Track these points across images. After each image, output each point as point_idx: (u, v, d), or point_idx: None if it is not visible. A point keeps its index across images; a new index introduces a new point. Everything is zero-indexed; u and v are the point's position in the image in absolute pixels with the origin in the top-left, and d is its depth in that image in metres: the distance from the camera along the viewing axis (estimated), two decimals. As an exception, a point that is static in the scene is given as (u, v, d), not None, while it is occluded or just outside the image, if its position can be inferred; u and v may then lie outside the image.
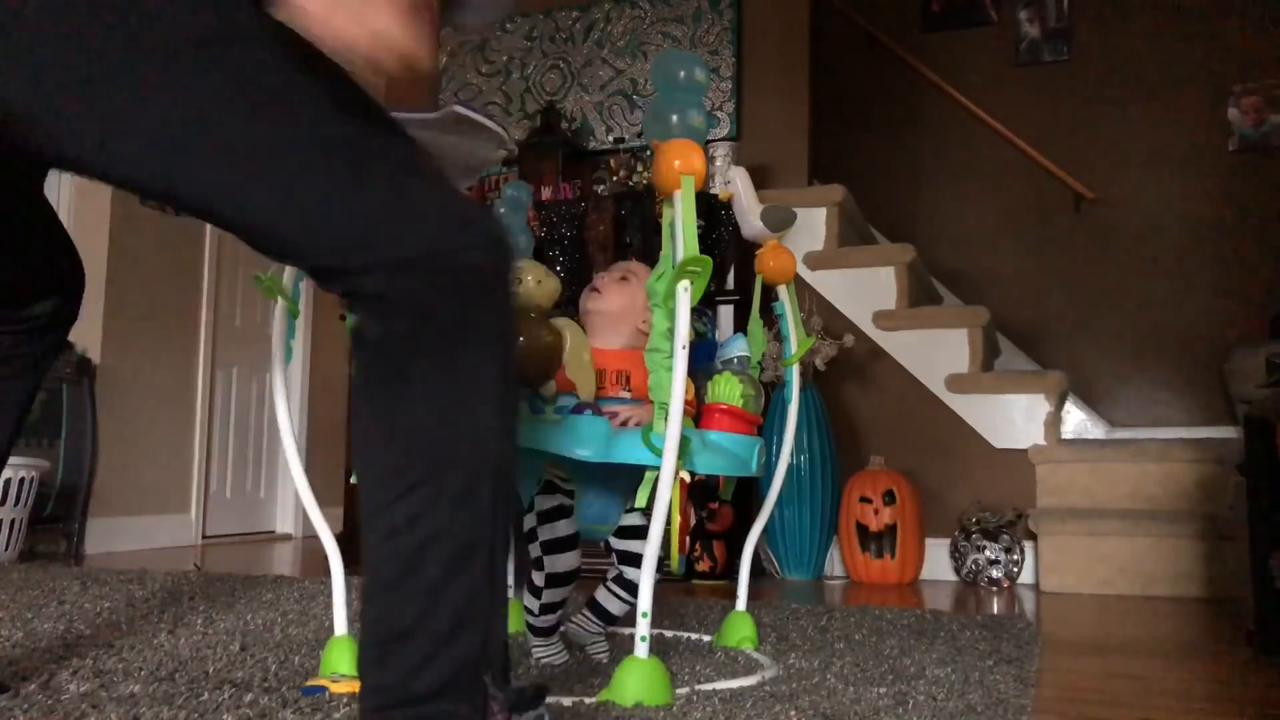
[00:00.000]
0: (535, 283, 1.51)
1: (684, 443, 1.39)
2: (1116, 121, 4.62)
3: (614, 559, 1.69)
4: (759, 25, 4.06)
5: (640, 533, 1.65)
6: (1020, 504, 3.35)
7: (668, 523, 1.39)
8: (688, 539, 1.33)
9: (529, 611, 1.62)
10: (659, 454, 1.35)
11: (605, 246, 3.47)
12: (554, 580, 1.59)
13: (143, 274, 4.52)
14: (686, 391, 1.38)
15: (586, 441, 1.40)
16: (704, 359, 1.76)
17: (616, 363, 1.63)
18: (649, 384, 1.42)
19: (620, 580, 1.67)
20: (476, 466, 0.85)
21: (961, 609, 2.64)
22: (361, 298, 0.85)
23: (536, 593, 1.60)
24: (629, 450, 1.39)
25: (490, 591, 0.85)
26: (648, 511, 1.43)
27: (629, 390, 1.61)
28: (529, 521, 1.62)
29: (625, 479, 1.59)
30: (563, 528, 1.60)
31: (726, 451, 1.57)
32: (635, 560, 1.64)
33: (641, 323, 1.65)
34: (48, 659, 1.57)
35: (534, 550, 1.61)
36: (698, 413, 1.64)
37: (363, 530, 0.86)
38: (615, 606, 1.67)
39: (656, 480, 1.37)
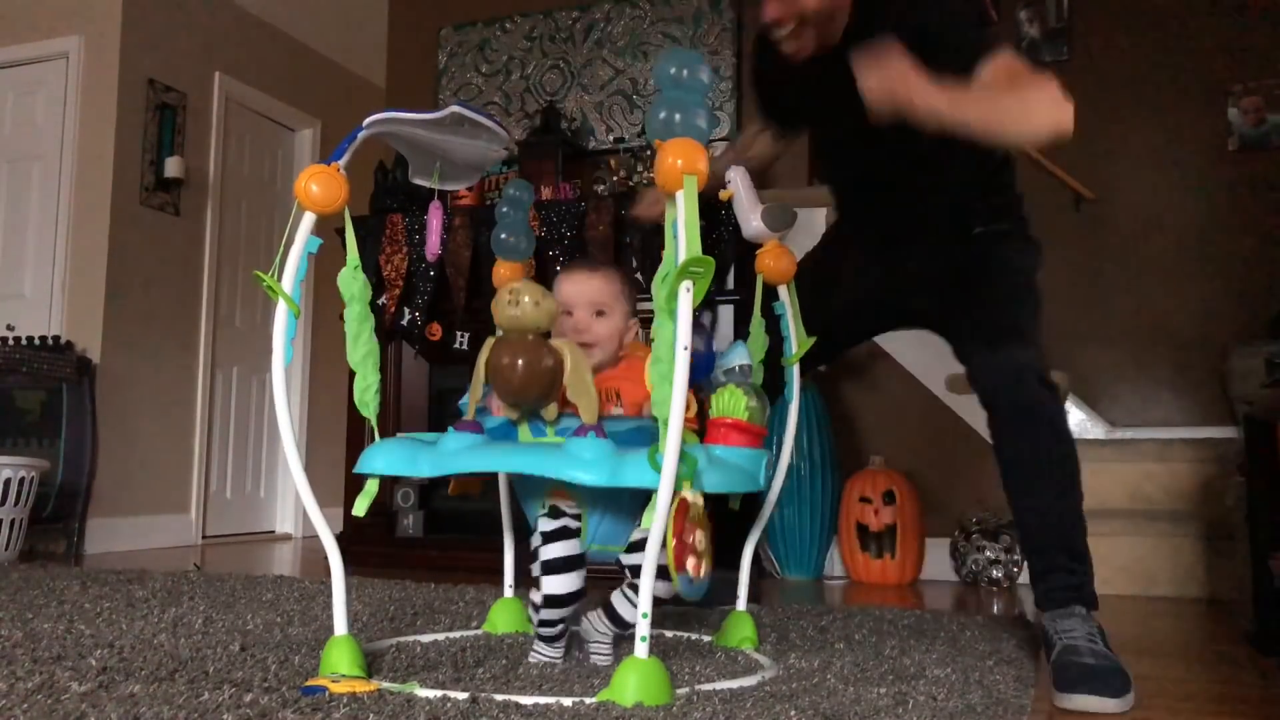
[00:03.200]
0: (533, 304, 1.47)
1: (690, 461, 1.37)
2: (1116, 121, 4.61)
3: (627, 574, 1.66)
4: (759, 25, 4.05)
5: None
6: (1020, 504, 3.35)
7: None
8: (693, 561, 1.32)
9: (533, 606, 1.61)
10: None
11: (605, 246, 3.47)
12: (550, 602, 1.56)
13: (143, 274, 4.52)
14: (689, 407, 1.35)
15: (590, 465, 1.37)
16: (704, 371, 1.73)
17: (605, 382, 1.61)
18: (653, 400, 1.39)
19: (635, 589, 1.64)
20: None
21: (961, 609, 2.64)
22: None
23: (535, 608, 1.58)
24: (635, 473, 1.37)
25: None
26: None
27: (620, 406, 1.59)
28: (533, 541, 1.60)
29: (633, 499, 1.56)
30: (563, 549, 1.57)
31: (734, 467, 1.55)
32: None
33: (627, 336, 1.66)
34: (48, 659, 1.57)
35: (535, 570, 1.59)
36: (700, 428, 1.63)
37: None
38: (628, 613, 1.63)
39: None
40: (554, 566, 1.56)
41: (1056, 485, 1.79)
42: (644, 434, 1.49)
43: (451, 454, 1.47)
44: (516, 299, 1.45)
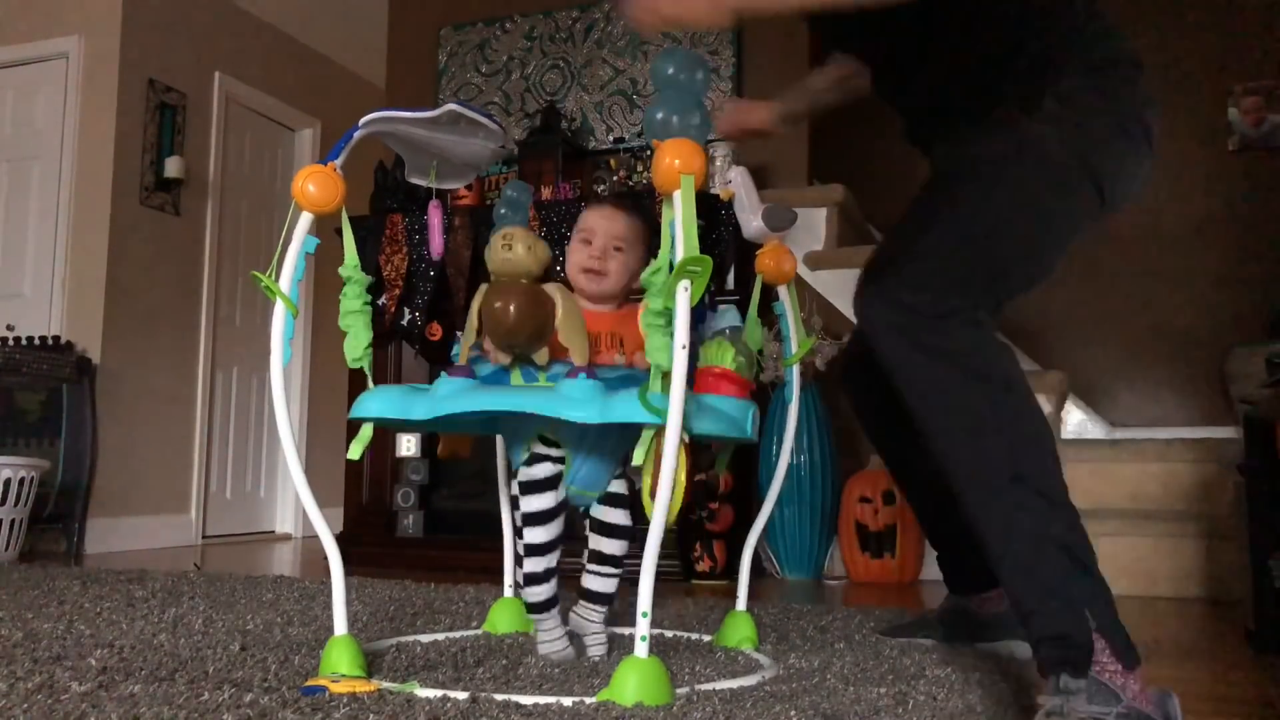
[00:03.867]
0: (526, 249, 1.50)
1: None
2: (1116, 121, 4.61)
3: (587, 525, 1.68)
4: (758, 25, 4.05)
5: (616, 500, 1.66)
6: (1020, 504, 3.34)
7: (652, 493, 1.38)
8: (692, 493, 1.33)
9: (518, 585, 1.64)
10: (657, 412, 1.35)
11: (605, 246, 3.47)
12: (532, 550, 1.60)
13: (143, 274, 4.52)
14: None
15: (582, 404, 1.39)
16: (697, 321, 1.76)
17: (609, 325, 1.64)
18: (645, 348, 1.41)
19: (594, 556, 1.68)
20: None
21: (961, 609, 2.63)
22: None
23: (519, 561, 1.61)
24: (625, 410, 1.39)
25: None
26: (633, 475, 1.43)
27: (623, 354, 1.61)
28: (513, 489, 1.63)
29: (616, 443, 1.60)
30: (543, 500, 1.60)
31: (721, 414, 1.57)
32: (607, 529, 1.66)
33: (637, 281, 1.67)
34: (48, 659, 1.57)
35: (516, 520, 1.62)
36: (689, 377, 1.64)
37: None
38: (601, 585, 1.67)
39: (653, 438, 1.37)
40: (534, 518, 1.60)
41: (964, 474, 1.32)
42: (633, 381, 1.51)
43: (444, 397, 1.48)
44: (510, 243, 1.48)
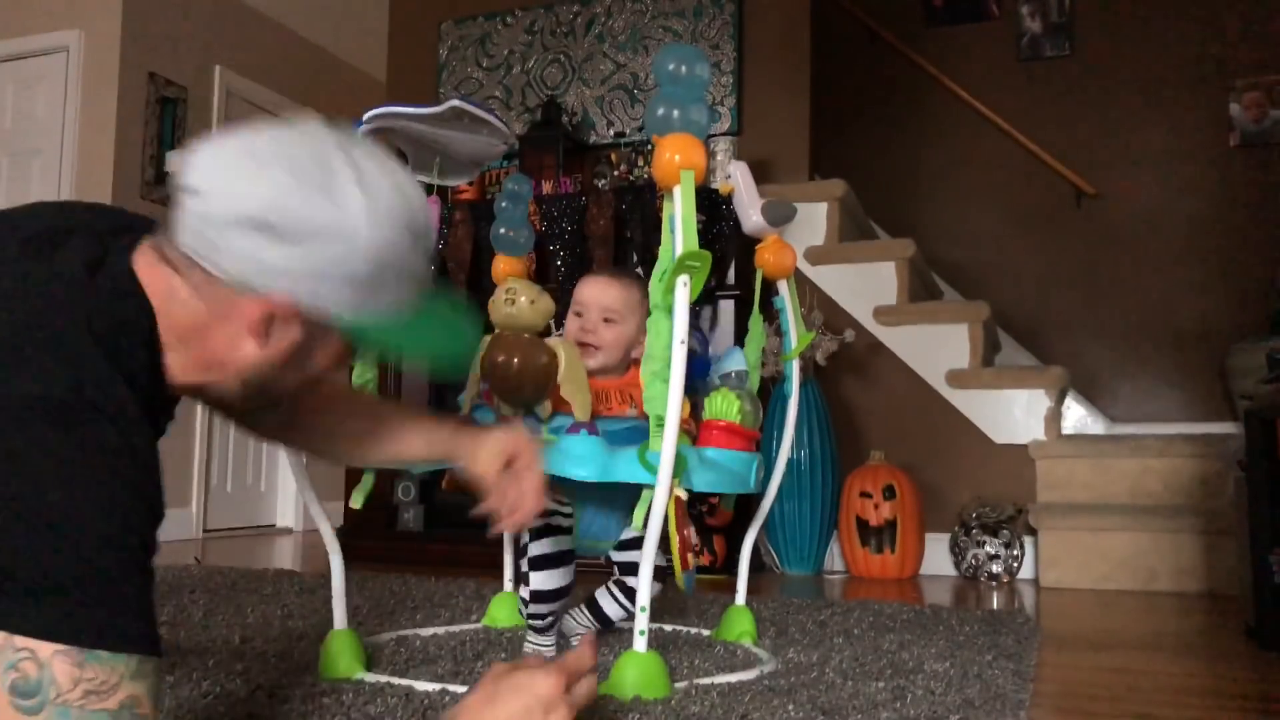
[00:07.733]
0: (529, 303, 1.49)
1: (681, 460, 1.38)
2: (1118, 117, 4.61)
3: (615, 570, 1.68)
4: (760, 19, 4.05)
5: (641, 543, 1.65)
6: (1020, 499, 3.35)
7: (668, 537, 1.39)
8: (690, 556, 1.33)
9: (523, 601, 1.64)
10: (656, 472, 1.35)
11: (606, 241, 3.47)
12: (538, 597, 1.60)
13: (143, 268, 4.51)
14: (682, 409, 1.37)
15: (583, 461, 1.40)
16: (700, 373, 1.74)
17: (618, 384, 1.62)
18: (644, 397, 1.40)
19: (621, 586, 1.67)
20: None
21: (961, 604, 2.64)
22: None
23: (523, 603, 1.61)
24: (626, 469, 1.39)
25: None
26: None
27: (634, 407, 1.60)
28: (523, 537, 1.63)
29: (625, 496, 1.58)
30: (549, 545, 1.60)
31: (724, 468, 1.56)
32: (637, 570, 1.64)
33: (636, 351, 1.63)
34: (48, 652, 1.57)
35: (524, 565, 1.61)
36: (694, 429, 1.64)
37: None
38: (613, 610, 1.67)
39: (654, 498, 1.37)
40: (540, 563, 1.59)
41: None
42: (637, 433, 1.50)
43: None
44: (513, 298, 1.48)
